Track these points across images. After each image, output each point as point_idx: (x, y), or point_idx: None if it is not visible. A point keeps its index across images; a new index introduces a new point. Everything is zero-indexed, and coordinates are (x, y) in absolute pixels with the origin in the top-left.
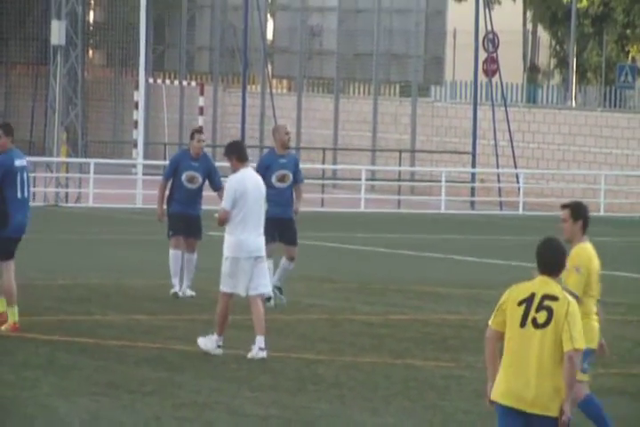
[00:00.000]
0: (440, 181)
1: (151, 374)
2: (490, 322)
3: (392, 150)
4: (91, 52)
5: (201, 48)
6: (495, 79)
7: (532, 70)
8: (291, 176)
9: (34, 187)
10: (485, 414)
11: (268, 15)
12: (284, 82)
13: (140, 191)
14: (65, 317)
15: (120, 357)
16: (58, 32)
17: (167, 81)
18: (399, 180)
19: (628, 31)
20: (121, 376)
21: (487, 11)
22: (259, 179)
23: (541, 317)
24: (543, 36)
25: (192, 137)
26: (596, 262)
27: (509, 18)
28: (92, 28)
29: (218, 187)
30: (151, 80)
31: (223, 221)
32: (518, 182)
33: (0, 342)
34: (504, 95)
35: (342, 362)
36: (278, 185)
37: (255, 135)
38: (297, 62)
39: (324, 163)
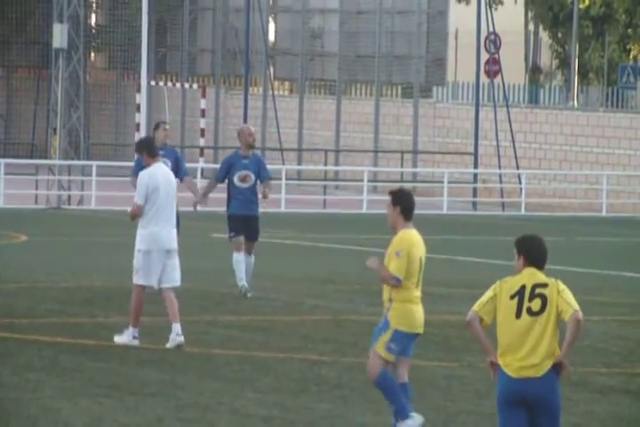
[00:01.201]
0: (442, 182)
1: (154, 375)
2: (475, 308)
3: (394, 151)
4: (93, 54)
5: (203, 50)
6: (497, 80)
7: (533, 71)
8: (253, 177)
9: (36, 189)
10: (488, 414)
11: (270, 17)
12: (286, 84)
13: None
14: (68, 319)
15: (123, 358)
16: (60, 35)
17: (169, 83)
18: (401, 181)
19: (630, 30)
20: (124, 378)
21: (489, 11)
22: (170, 174)
23: (536, 305)
24: (545, 36)
25: (157, 127)
26: (418, 249)
27: (511, 19)
28: (93, 30)
29: (183, 175)
30: (153, 82)
31: (136, 216)
32: (520, 183)
33: (2, 344)
34: (506, 96)
35: (345, 363)
36: (240, 184)
37: (257, 137)
38: (299, 64)
39: (326, 164)
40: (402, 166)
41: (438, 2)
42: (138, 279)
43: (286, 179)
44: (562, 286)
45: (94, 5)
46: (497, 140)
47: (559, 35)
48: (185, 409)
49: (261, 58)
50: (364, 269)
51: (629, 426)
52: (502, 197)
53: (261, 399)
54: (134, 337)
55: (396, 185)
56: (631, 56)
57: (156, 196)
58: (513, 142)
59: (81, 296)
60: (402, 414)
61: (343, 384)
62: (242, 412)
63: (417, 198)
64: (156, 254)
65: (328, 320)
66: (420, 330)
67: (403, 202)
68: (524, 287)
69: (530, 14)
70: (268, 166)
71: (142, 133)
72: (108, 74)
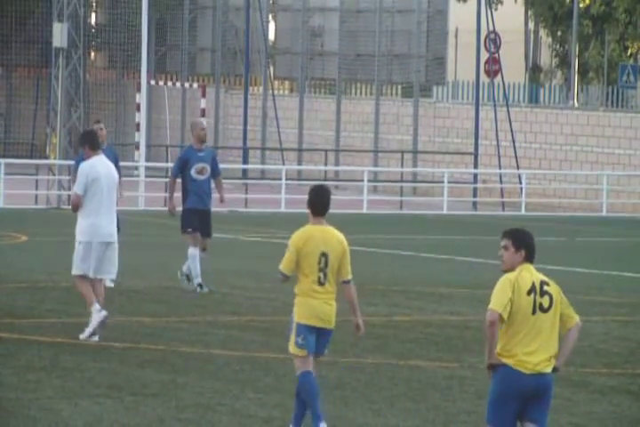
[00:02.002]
0: (442, 182)
1: (154, 376)
2: (497, 308)
3: (394, 151)
4: (93, 54)
5: (203, 49)
6: (497, 79)
7: (533, 70)
8: (208, 169)
9: (36, 189)
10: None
11: (270, 16)
12: (286, 83)
13: (143, 193)
14: (68, 319)
15: (123, 359)
16: (60, 34)
17: (169, 83)
18: (401, 181)
19: (630, 27)
20: (124, 378)
21: (489, 10)
22: (111, 166)
23: (545, 301)
24: (544, 35)
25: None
26: (316, 244)
27: (511, 18)
28: (93, 30)
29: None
30: (153, 82)
31: (76, 206)
32: (520, 183)
33: (3, 344)
34: (506, 95)
35: (345, 363)
36: (197, 177)
37: (257, 137)
38: (299, 63)
39: (326, 164)
40: (402, 166)
41: (438, 1)
42: (76, 270)
43: (286, 179)
44: (558, 287)
45: (94, 4)
46: (497, 140)
47: (559, 34)
48: (185, 410)
49: (261, 57)
50: None
51: None
52: (502, 197)
53: (262, 400)
54: (99, 310)
55: (397, 185)
56: (629, 54)
57: (96, 187)
58: (513, 142)
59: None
60: (315, 420)
61: (343, 385)
62: (242, 412)
63: (417, 198)
64: (96, 246)
65: None
66: (322, 324)
67: (309, 197)
68: (534, 284)
69: (530, 13)
70: (268, 166)
71: (143, 133)
72: (108, 73)
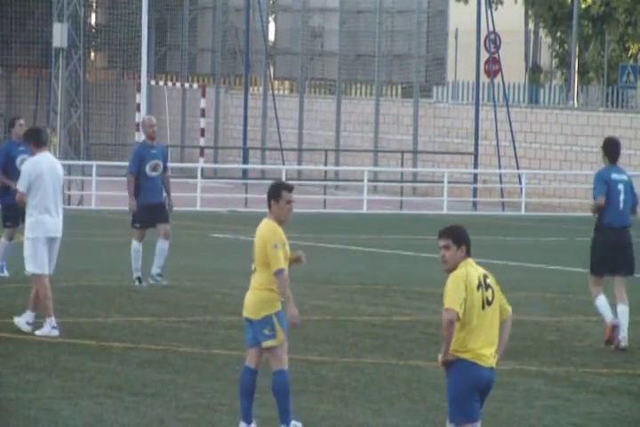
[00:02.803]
0: (442, 182)
1: (154, 376)
2: (455, 307)
3: (394, 151)
4: (93, 54)
5: (203, 50)
6: (497, 79)
7: (533, 70)
8: (161, 165)
9: None
10: (487, 414)
11: (270, 16)
12: (286, 83)
13: None
14: (68, 319)
15: (123, 359)
16: (60, 34)
17: (169, 83)
18: (401, 181)
19: (630, 28)
20: (124, 378)
21: (489, 11)
22: (55, 162)
23: (489, 294)
24: (544, 36)
25: (13, 124)
26: (258, 239)
27: (511, 18)
28: (93, 30)
29: None
30: (153, 82)
31: (20, 203)
32: (520, 183)
33: (3, 344)
34: (506, 96)
35: (345, 363)
36: (151, 174)
37: (257, 137)
38: (299, 64)
39: (326, 164)
40: (402, 166)
41: (438, 1)
42: (33, 268)
43: (286, 179)
44: (494, 277)
45: (94, 5)
46: (497, 140)
47: (559, 34)
48: (185, 410)
49: (261, 57)
50: None
51: None
52: (502, 196)
53: (261, 400)
54: (53, 327)
55: (397, 185)
56: (629, 55)
57: (39, 184)
58: (513, 142)
59: (81, 296)
60: (242, 415)
61: (343, 385)
62: None
63: (417, 198)
64: (44, 241)
65: (328, 320)
66: (244, 314)
67: (269, 194)
68: (479, 278)
69: (530, 13)
70: (268, 166)
71: (142, 133)
72: (108, 73)
